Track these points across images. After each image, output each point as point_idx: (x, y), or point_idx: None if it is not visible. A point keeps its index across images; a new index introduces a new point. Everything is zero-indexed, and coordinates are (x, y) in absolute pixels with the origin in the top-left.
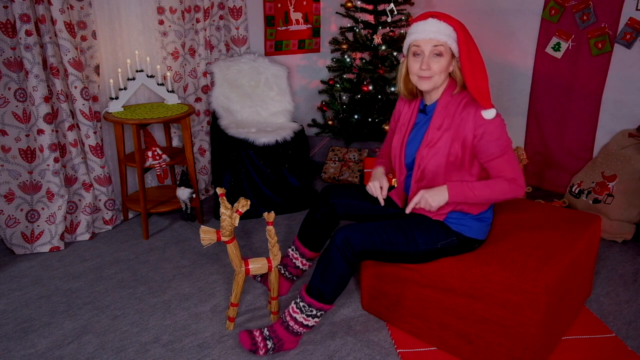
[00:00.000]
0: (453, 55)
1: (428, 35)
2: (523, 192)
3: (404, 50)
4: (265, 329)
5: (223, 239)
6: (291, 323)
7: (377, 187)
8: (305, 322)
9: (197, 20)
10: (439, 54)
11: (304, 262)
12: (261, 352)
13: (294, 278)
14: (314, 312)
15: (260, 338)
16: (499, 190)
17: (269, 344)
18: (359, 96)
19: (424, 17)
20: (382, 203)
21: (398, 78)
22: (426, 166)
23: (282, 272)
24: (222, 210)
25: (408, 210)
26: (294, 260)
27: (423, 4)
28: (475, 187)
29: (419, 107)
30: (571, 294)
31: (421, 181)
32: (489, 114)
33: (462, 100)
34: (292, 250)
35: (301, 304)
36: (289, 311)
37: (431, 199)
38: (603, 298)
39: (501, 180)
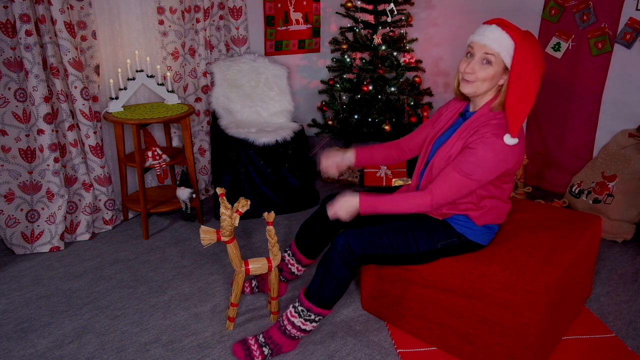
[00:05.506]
0: (506, 69)
1: (483, 41)
2: (431, 209)
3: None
4: (261, 335)
5: (223, 239)
6: (289, 327)
7: (327, 166)
8: (303, 327)
9: (197, 20)
10: (488, 62)
11: (300, 268)
12: None
13: (288, 281)
14: (312, 316)
15: (255, 346)
16: (410, 206)
17: (266, 350)
18: (359, 96)
19: (491, 22)
20: (335, 176)
21: (455, 75)
22: (434, 169)
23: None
24: (222, 210)
25: (331, 217)
26: (289, 266)
27: (423, 4)
28: (386, 202)
29: (461, 111)
30: (571, 294)
31: (431, 182)
32: (510, 140)
33: (494, 119)
34: (289, 255)
35: (299, 308)
36: (286, 315)
37: (340, 210)
38: (603, 298)
39: (417, 194)
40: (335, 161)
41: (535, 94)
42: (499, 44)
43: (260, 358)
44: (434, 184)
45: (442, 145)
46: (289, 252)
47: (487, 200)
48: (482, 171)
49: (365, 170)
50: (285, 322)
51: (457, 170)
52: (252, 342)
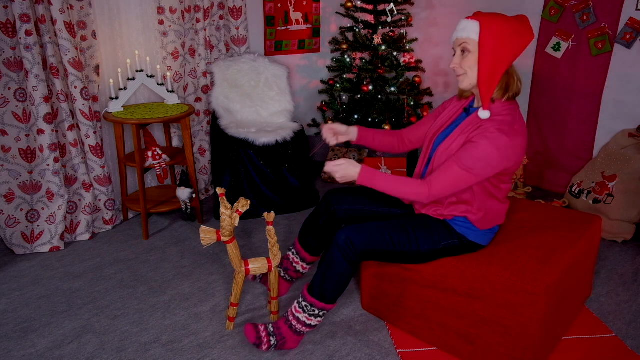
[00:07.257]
0: None
1: (456, 35)
2: (427, 201)
3: None
4: (270, 325)
5: (223, 239)
6: (294, 322)
7: (327, 130)
8: (308, 322)
9: (197, 20)
10: (467, 51)
11: (305, 265)
12: (264, 347)
13: (294, 280)
14: (316, 311)
15: (264, 333)
16: (408, 192)
17: (272, 340)
18: (359, 96)
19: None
20: (330, 143)
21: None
22: (435, 165)
23: (282, 275)
24: (222, 210)
25: (326, 169)
26: (294, 264)
27: (423, 4)
28: (384, 180)
29: (465, 106)
30: (571, 294)
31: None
32: (484, 114)
33: (499, 115)
34: (293, 254)
35: (303, 303)
36: (292, 310)
37: (339, 171)
38: (603, 298)
39: (419, 182)
40: (337, 129)
41: (505, 64)
42: (467, 31)
43: (267, 345)
44: (433, 176)
45: (443, 141)
46: (293, 250)
47: (485, 201)
48: (483, 166)
49: None
50: (291, 317)
51: (457, 164)
52: (262, 328)
